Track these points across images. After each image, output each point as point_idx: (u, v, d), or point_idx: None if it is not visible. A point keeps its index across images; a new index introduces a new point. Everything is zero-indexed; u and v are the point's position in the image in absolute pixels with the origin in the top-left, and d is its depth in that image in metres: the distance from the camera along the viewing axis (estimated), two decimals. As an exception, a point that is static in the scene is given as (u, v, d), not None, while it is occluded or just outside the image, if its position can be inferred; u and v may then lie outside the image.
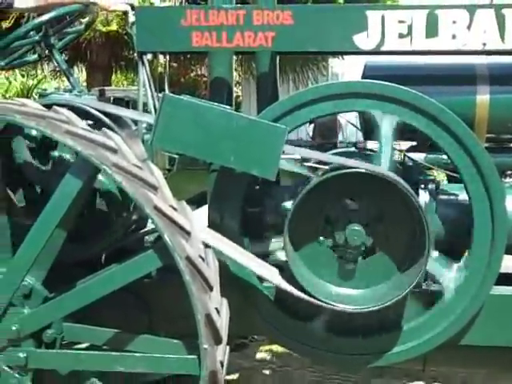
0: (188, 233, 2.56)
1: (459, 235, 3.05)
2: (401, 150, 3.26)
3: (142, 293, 3.09)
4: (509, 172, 3.24)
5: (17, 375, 2.72)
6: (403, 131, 2.99)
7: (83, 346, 3.03)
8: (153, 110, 3.30)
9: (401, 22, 2.92)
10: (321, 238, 2.89)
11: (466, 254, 3.04)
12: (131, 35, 3.38)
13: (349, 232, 2.81)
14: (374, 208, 2.84)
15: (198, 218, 2.87)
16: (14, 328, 2.70)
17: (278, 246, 3.11)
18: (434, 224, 2.95)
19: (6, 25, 5.75)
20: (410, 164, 3.21)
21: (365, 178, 2.75)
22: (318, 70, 12.62)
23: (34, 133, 3.16)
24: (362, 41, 2.95)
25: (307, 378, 4.36)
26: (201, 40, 2.98)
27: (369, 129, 3.28)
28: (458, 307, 2.99)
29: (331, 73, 13.91)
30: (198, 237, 2.66)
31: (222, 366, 2.62)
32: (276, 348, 4.73)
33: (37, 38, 3.76)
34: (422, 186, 3.09)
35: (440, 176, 3.50)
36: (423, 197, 3.05)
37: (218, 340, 2.56)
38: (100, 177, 2.99)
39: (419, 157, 3.23)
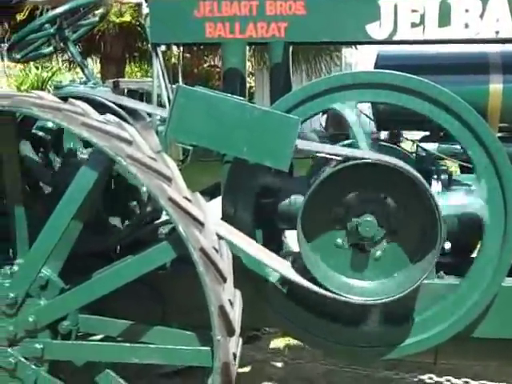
0: (202, 224, 2.57)
1: (471, 226, 3.04)
2: (413, 140, 3.26)
3: (156, 284, 3.11)
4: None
5: (33, 366, 2.75)
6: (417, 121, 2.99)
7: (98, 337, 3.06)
8: (167, 102, 3.31)
9: (413, 11, 2.91)
10: (333, 229, 2.88)
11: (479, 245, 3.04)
12: (144, 26, 3.40)
13: (361, 223, 2.80)
14: (386, 199, 2.83)
15: (211, 210, 2.88)
16: (30, 319, 2.72)
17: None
18: (446, 215, 2.94)
19: (20, 17, 5.78)
20: (423, 154, 3.20)
21: (377, 169, 2.75)
22: (332, 59, 12.60)
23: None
24: (374, 30, 2.94)
25: (319, 370, 4.35)
26: (214, 31, 2.99)
27: (382, 119, 3.29)
28: (469, 299, 2.99)
29: (344, 63, 13.88)
30: (211, 228, 2.67)
31: (235, 357, 2.63)
32: (288, 340, 4.73)
33: (51, 30, 3.77)
34: (435, 176, 3.09)
35: (453, 166, 3.49)
36: (436, 187, 3.05)
37: (231, 331, 2.57)
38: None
39: (432, 147, 3.22)
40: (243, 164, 2.91)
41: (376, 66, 3.18)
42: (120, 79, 4.34)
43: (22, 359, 2.74)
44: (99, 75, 10.95)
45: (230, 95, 2.77)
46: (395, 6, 2.91)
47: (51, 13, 3.64)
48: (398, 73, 2.88)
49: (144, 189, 3.06)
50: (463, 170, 3.28)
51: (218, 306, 2.51)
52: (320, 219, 2.86)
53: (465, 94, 2.90)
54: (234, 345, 2.62)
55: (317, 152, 2.87)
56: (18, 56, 3.86)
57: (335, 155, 2.84)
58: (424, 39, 2.94)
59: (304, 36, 3.00)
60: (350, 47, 11.75)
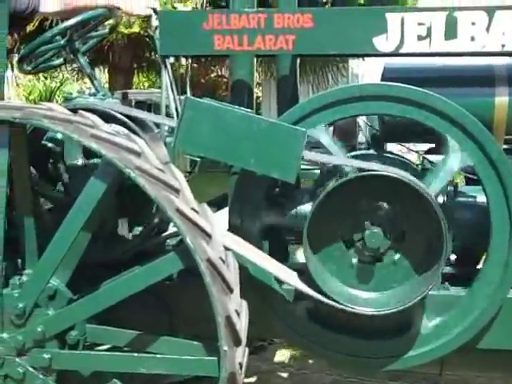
0: (209, 235, 2.59)
1: (477, 237, 3.05)
2: (419, 152, 3.27)
3: (163, 295, 3.12)
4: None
5: (41, 376, 2.76)
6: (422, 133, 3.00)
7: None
8: (175, 113, 3.33)
9: (420, 24, 2.93)
10: (339, 240, 2.90)
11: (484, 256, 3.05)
12: (153, 37, 3.43)
13: (367, 234, 2.82)
14: (392, 210, 2.85)
15: (218, 221, 2.89)
16: (39, 329, 2.74)
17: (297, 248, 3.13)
18: (451, 227, 2.95)
19: (29, 28, 5.81)
20: (429, 166, 3.22)
21: (383, 181, 2.76)
22: (338, 70, 12.62)
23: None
24: (381, 43, 2.96)
25: (325, 380, 4.36)
26: (222, 43, 3.01)
27: (387, 131, 3.31)
28: (475, 310, 2.99)
29: (351, 73, 13.90)
30: (218, 239, 2.69)
31: (241, 367, 2.64)
32: (294, 351, 4.74)
33: (62, 42, 3.80)
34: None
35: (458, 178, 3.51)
36: (441, 199, 3.05)
37: (237, 342, 2.59)
38: None
39: (437, 159, 3.23)
40: (250, 175, 2.92)
41: (383, 79, 3.20)
42: (128, 90, 4.37)
43: (30, 369, 2.75)
44: (107, 85, 10.99)
45: (237, 107, 2.80)
46: (402, 19, 2.93)
47: (62, 25, 3.66)
48: (404, 85, 2.90)
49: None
50: (468, 181, 3.29)
51: (224, 317, 2.53)
52: (326, 230, 2.87)
53: (471, 107, 2.92)
54: (241, 355, 2.63)
55: (323, 163, 2.89)
56: (29, 67, 3.89)
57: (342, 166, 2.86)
58: (430, 52, 2.96)
59: (312, 48, 3.03)
60: (356, 58, 11.75)
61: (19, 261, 2.96)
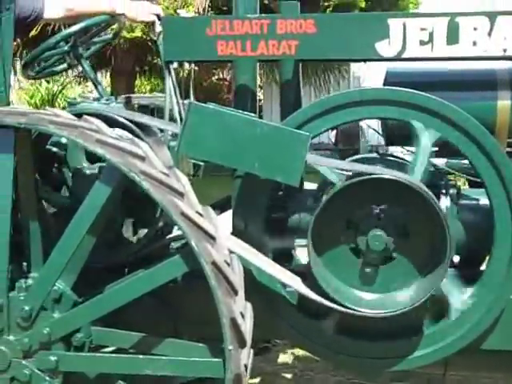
0: (214, 238, 2.61)
1: (480, 240, 3.07)
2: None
3: (167, 297, 3.14)
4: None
5: (47, 378, 2.78)
6: None
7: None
8: (178, 117, 3.36)
9: (422, 29, 2.95)
10: (343, 243, 2.92)
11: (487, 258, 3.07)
12: (155, 41, 3.45)
13: (371, 237, 2.84)
14: (395, 213, 2.87)
15: (222, 224, 2.92)
16: (45, 332, 2.76)
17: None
18: (455, 229, 2.98)
19: (32, 33, 5.83)
20: (431, 169, 3.24)
21: (387, 184, 2.78)
22: (340, 73, 12.66)
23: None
24: (383, 48, 2.98)
25: (329, 382, 4.37)
26: (226, 49, 3.04)
27: (391, 134, 3.33)
28: (478, 311, 3.00)
29: (352, 76, 13.93)
30: (223, 242, 2.72)
31: (246, 369, 2.66)
32: (298, 352, 4.75)
33: (66, 48, 3.82)
34: (443, 191, 3.12)
35: (461, 181, 3.53)
36: (444, 202, 3.08)
37: (242, 343, 2.61)
38: None
39: (440, 162, 3.26)
40: (254, 179, 2.94)
41: (385, 83, 3.22)
42: (131, 95, 4.39)
43: (37, 371, 2.76)
44: (109, 89, 11.02)
45: (240, 111, 2.82)
46: (404, 25, 2.95)
47: (66, 31, 3.69)
48: (405, 89, 2.92)
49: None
50: (471, 184, 3.31)
51: (229, 318, 2.55)
52: (330, 233, 2.90)
53: (473, 111, 2.93)
54: (246, 356, 2.65)
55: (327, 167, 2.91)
56: (33, 73, 3.92)
57: (345, 170, 2.89)
58: (432, 56, 2.98)
59: (314, 54, 3.05)
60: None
61: (25, 264, 2.98)
